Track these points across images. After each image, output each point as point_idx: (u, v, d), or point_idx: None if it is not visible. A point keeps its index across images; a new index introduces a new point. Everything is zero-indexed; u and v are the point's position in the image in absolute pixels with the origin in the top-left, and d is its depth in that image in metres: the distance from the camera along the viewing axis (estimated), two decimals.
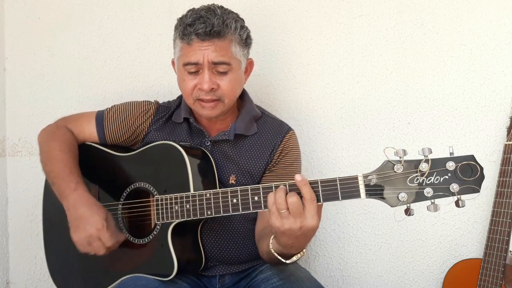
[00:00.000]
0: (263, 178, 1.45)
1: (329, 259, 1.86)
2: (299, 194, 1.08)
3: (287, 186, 1.10)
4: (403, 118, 1.79)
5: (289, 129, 1.51)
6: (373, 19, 1.79)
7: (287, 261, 1.18)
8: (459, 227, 1.77)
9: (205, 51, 1.32)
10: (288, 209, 1.07)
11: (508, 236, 1.57)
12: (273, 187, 1.12)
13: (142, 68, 1.90)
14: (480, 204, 1.74)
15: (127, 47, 1.90)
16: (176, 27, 1.40)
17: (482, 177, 1.00)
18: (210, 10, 1.35)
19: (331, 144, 1.83)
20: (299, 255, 1.17)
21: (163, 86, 1.88)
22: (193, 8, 1.38)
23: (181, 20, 1.37)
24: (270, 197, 1.09)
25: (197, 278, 1.44)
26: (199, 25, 1.31)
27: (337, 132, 1.82)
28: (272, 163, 1.45)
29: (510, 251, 1.58)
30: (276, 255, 1.17)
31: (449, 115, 1.76)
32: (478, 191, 1.00)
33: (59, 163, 1.41)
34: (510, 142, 1.61)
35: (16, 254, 1.97)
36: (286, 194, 1.08)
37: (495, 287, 1.56)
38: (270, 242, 1.18)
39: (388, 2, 1.78)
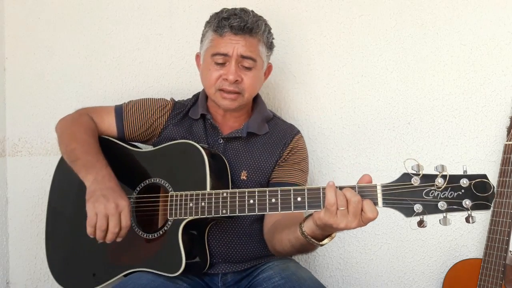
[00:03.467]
0: (272, 173, 1.50)
1: (329, 259, 1.86)
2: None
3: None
4: (403, 118, 1.79)
5: (298, 131, 1.58)
6: (373, 19, 1.79)
7: (322, 243, 1.18)
8: (459, 227, 1.77)
9: (235, 44, 1.41)
10: (348, 207, 1.08)
11: (508, 236, 1.57)
12: (292, 191, 1.15)
13: (142, 68, 1.90)
14: None
15: (127, 47, 1.90)
16: (208, 22, 1.48)
17: (493, 195, 1.06)
18: (243, 10, 1.45)
19: (331, 144, 1.83)
20: (333, 235, 1.17)
21: (163, 86, 1.88)
22: (225, 8, 1.47)
23: (216, 14, 1.46)
24: (331, 195, 1.08)
25: (199, 278, 1.45)
26: (234, 19, 1.41)
27: (337, 132, 1.82)
28: (281, 159, 1.50)
29: (510, 251, 1.58)
30: (310, 238, 1.17)
31: (449, 115, 1.76)
32: (489, 208, 1.06)
33: (86, 143, 1.43)
34: (510, 142, 1.61)
35: (16, 254, 1.96)
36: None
37: (495, 287, 1.56)
38: (302, 226, 1.17)
39: (388, 2, 1.78)
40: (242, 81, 1.44)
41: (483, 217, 1.74)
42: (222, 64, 1.43)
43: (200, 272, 1.43)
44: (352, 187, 1.10)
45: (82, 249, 1.44)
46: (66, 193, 1.48)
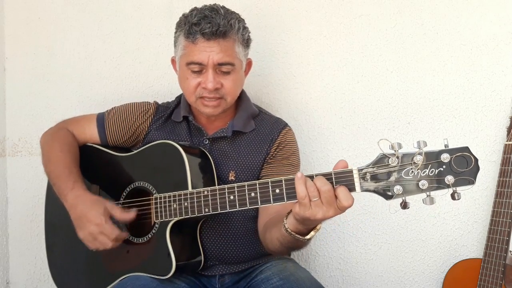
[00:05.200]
0: (262, 171, 1.46)
1: (329, 259, 1.86)
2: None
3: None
4: (403, 118, 1.79)
5: (286, 125, 1.53)
6: (373, 19, 1.79)
7: (306, 237, 1.15)
8: (459, 227, 1.77)
9: (210, 52, 1.34)
10: (320, 197, 1.05)
11: (508, 236, 1.57)
12: (270, 183, 1.12)
13: (142, 68, 1.90)
14: (480, 204, 1.74)
15: (127, 47, 1.90)
16: (179, 25, 1.41)
17: (477, 168, 0.99)
18: (214, 10, 1.36)
19: (331, 144, 1.83)
20: (318, 227, 1.14)
21: (163, 86, 1.88)
22: (195, 7, 1.40)
23: (185, 18, 1.38)
24: (300, 188, 1.05)
25: (196, 278, 1.44)
26: (205, 24, 1.33)
27: (337, 132, 1.82)
28: (269, 156, 1.47)
29: (510, 251, 1.59)
30: (295, 234, 1.14)
31: (449, 115, 1.76)
32: (473, 183, 0.99)
33: (59, 163, 1.43)
34: (510, 142, 1.61)
35: (16, 254, 1.97)
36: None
37: (495, 287, 1.56)
38: (285, 223, 1.15)
39: (388, 2, 1.78)
40: (222, 86, 1.38)
41: (483, 217, 1.74)
42: (199, 72, 1.38)
43: (195, 271, 1.43)
44: (327, 174, 1.06)
45: (79, 259, 1.46)
46: (59, 207, 1.47)
